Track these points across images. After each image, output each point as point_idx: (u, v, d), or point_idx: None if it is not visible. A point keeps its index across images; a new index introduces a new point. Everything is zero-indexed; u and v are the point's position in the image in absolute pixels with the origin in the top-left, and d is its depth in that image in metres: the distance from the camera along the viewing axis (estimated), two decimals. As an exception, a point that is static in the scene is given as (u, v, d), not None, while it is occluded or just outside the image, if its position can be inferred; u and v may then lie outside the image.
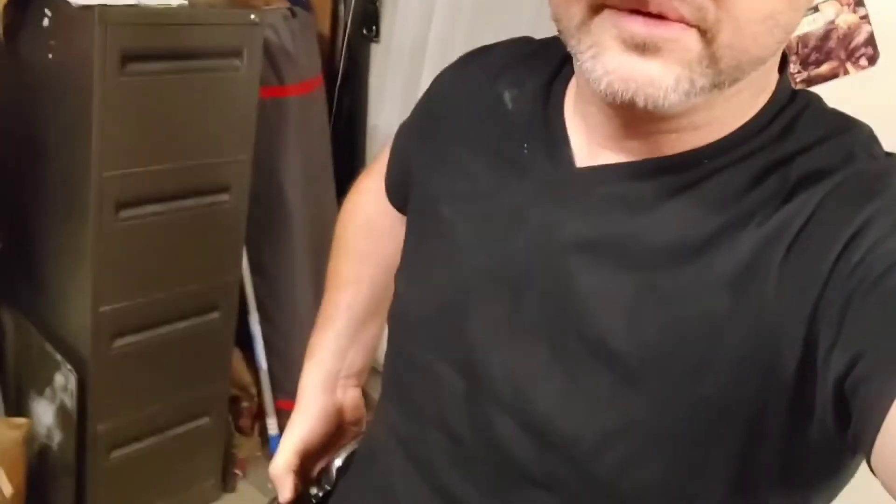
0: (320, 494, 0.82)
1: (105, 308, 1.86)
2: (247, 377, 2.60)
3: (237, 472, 2.53)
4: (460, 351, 0.60)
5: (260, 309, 2.49)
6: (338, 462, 0.84)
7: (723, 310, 0.49)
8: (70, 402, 1.99)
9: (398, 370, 0.68)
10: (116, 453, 2.09)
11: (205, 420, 2.27)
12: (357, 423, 0.90)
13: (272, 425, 2.59)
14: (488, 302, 0.59)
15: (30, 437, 2.11)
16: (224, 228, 2.05)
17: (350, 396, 0.88)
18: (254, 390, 2.60)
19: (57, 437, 2.11)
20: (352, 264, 0.87)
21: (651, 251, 0.52)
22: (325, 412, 0.85)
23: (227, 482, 2.48)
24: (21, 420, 2.06)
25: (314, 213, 2.51)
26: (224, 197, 1.99)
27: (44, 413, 2.13)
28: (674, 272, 0.51)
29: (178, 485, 2.32)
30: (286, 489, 0.81)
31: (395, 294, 0.71)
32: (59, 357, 1.97)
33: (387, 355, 0.71)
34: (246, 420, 2.59)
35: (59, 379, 2.02)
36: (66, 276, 1.93)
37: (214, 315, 2.13)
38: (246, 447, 2.60)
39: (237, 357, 2.50)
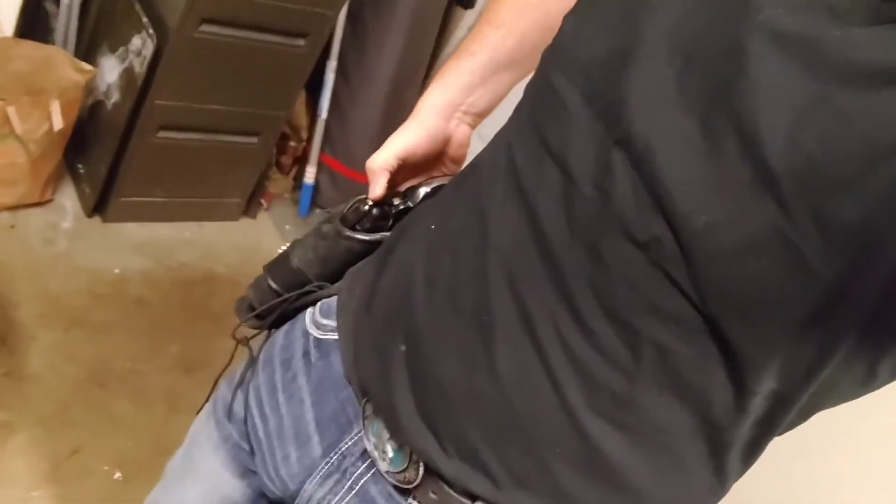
0: (401, 207, 0.82)
1: (206, -13, 1.83)
2: (303, 120, 2.60)
3: (262, 202, 2.58)
4: (610, 97, 0.58)
5: (341, 60, 2.46)
6: (426, 188, 0.84)
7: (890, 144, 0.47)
8: (140, 67, 2.00)
9: (535, 101, 0.66)
10: (164, 134, 2.12)
11: (254, 140, 2.29)
12: (457, 161, 0.89)
13: (310, 174, 2.62)
14: (656, 60, 0.57)
15: (90, 87, 2.13)
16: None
17: (461, 132, 0.86)
18: (305, 135, 2.61)
19: (114, 97, 2.13)
20: (513, 8, 0.84)
21: (842, 64, 0.49)
22: (435, 133, 0.83)
23: (249, 207, 2.53)
24: (88, 66, 2.07)
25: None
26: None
27: (110, 70, 2.14)
28: (860, 94, 0.49)
29: (207, 189, 2.37)
30: (379, 186, 0.81)
31: (560, 32, 0.68)
32: (145, 19, 1.96)
33: (528, 86, 0.69)
34: (287, 159, 2.62)
35: (136, 42, 2.02)
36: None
37: (301, 42, 2.11)
38: (278, 183, 2.64)
39: (301, 99, 2.49)
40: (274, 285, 0.85)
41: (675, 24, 0.57)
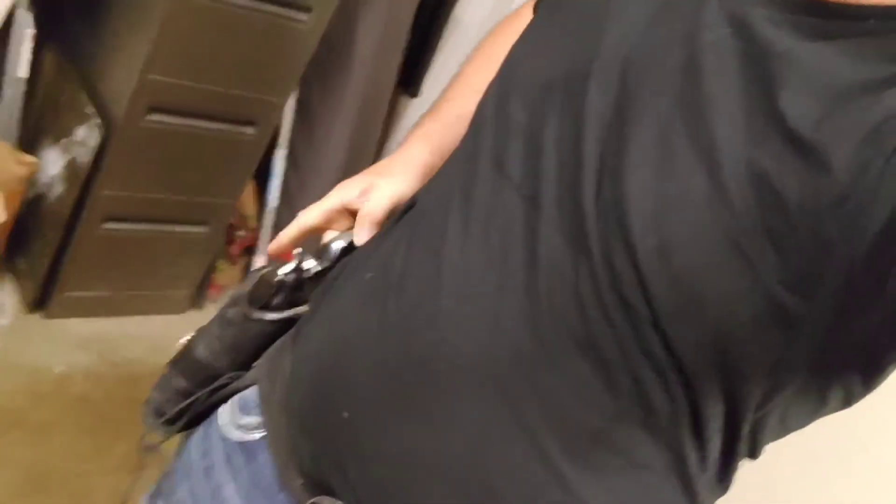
0: (316, 269, 0.75)
1: (154, 77, 1.82)
2: (251, 209, 2.57)
3: (211, 292, 2.52)
4: (573, 118, 0.57)
5: (290, 149, 2.46)
6: (338, 244, 0.76)
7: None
8: (85, 157, 1.96)
9: (487, 132, 0.63)
10: (109, 225, 2.07)
11: (202, 229, 2.25)
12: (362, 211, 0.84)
13: (259, 263, 2.58)
14: (612, 76, 0.56)
15: (32, 179, 2.09)
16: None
17: None
18: (254, 224, 2.58)
19: (57, 189, 2.08)
20: (486, 75, 0.83)
21: (786, 80, 0.50)
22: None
23: (197, 299, 2.47)
24: (31, 158, 2.02)
25: (374, 78, 2.46)
26: None
27: (52, 163, 2.10)
28: (807, 110, 0.49)
29: (153, 282, 2.31)
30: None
31: (512, 61, 0.67)
32: (90, 109, 1.93)
33: (476, 121, 0.67)
34: (236, 249, 2.58)
35: (80, 132, 1.98)
36: (126, 32, 1.89)
37: (250, 130, 2.10)
38: (226, 273, 2.59)
39: (249, 187, 2.47)
40: (182, 383, 0.77)
41: (628, 41, 0.57)
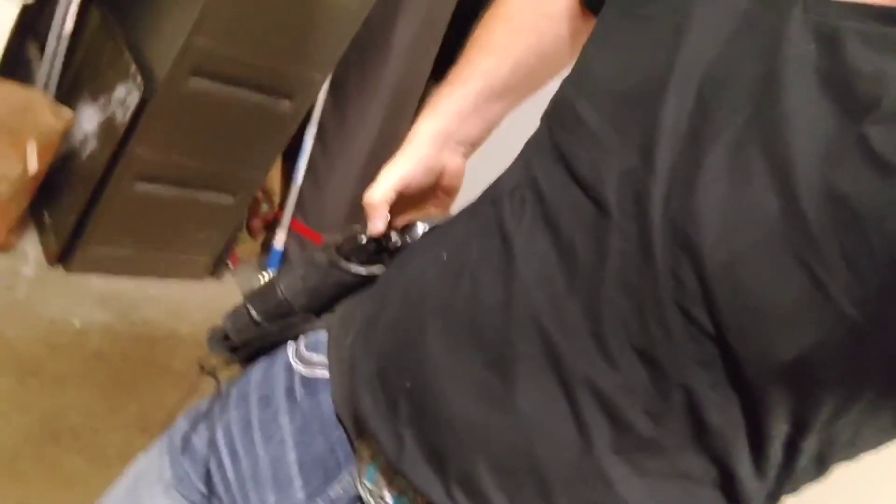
0: (398, 244, 0.78)
1: (199, 41, 1.84)
2: (277, 185, 2.58)
3: (230, 263, 2.53)
4: (644, 128, 0.57)
5: (320, 128, 2.47)
6: (424, 226, 0.79)
7: None
8: (122, 116, 1.98)
9: (558, 131, 0.64)
10: (140, 185, 2.08)
11: (229, 198, 2.26)
12: (450, 193, 0.86)
13: (279, 240, 2.59)
14: (688, 88, 0.56)
15: (67, 133, 2.10)
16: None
17: (455, 163, 0.83)
18: (277, 199, 2.59)
19: (90, 147, 2.09)
20: (505, 34, 0.82)
21: (874, 101, 0.49)
22: (429, 162, 0.79)
23: (216, 268, 2.49)
24: (68, 112, 2.04)
25: (410, 67, 2.48)
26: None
27: (88, 119, 2.11)
28: (891, 132, 0.49)
29: (176, 245, 2.32)
30: (380, 220, 0.77)
31: (583, 61, 0.67)
32: (132, 69, 1.94)
33: (547, 115, 0.68)
34: (257, 223, 2.59)
35: (120, 91, 2.00)
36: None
37: (287, 103, 2.11)
38: (246, 247, 2.60)
39: (276, 163, 2.48)
40: (255, 316, 0.79)
41: (707, 53, 0.56)
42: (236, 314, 0.81)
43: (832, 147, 0.49)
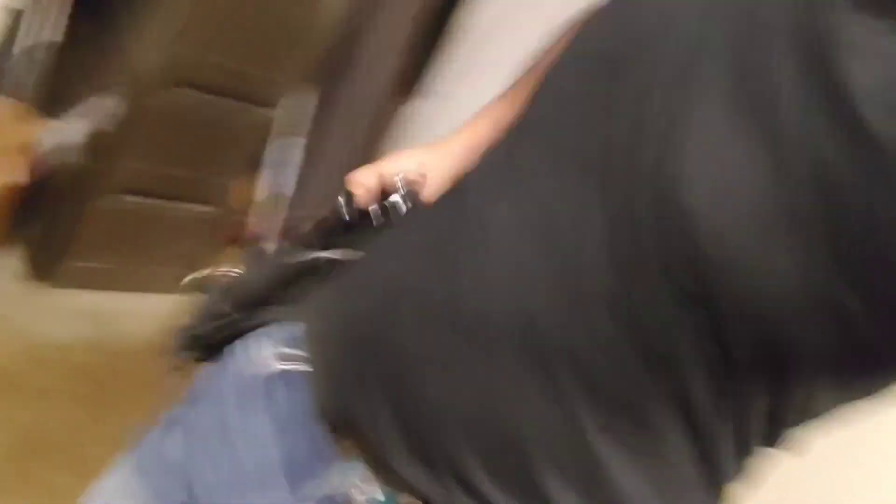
0: (379, 217, 0.76)
1: (183, 52, 1.84)
2: (254, 194, 2.57)
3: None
4: (631, 93, 0.56)
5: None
6: (404, 206, 0.77)
7: None
8: (107, 126, 1.96)
9: (541, 104, 0.63)
10: (126, 198, 2.07)
11: (210, 209, 2.26)
12: None
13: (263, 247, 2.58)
14: (668, 49, 0.56)
15: (51, 146, 2.08)
16: None
17: None
18: (254, 210, 2.58)
19: (75, 158, 2.07)
20: None
21: (842, 53, 0.49)
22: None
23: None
24: (52, 124, 2.02)
25: (380, 79, 2.49)
26: None
27: (73, 130, 2.09)
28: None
29: (158, 259, 2.30)
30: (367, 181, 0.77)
31: (577, 36, 0.67)
32: (117, 80, 1.93)
33: (535, 96, 0.65)
34: (237, 232, 2.57)
35: (103, 102, 1.98)
36: (160, 5, 1.89)
37: (269, 112, 2.11)
38: (227, 256, 2.59)
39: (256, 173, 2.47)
40: (224, 308, 0.76)
41: (689, 16, 0.56)
42: (201, 309, 0.78)
43: (814, 115, 0.49)
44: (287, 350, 0.72)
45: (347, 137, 2.51)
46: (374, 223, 0.76)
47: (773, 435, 0.58)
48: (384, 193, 0.78)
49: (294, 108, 2.18)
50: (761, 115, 0.51)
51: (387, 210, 0.76)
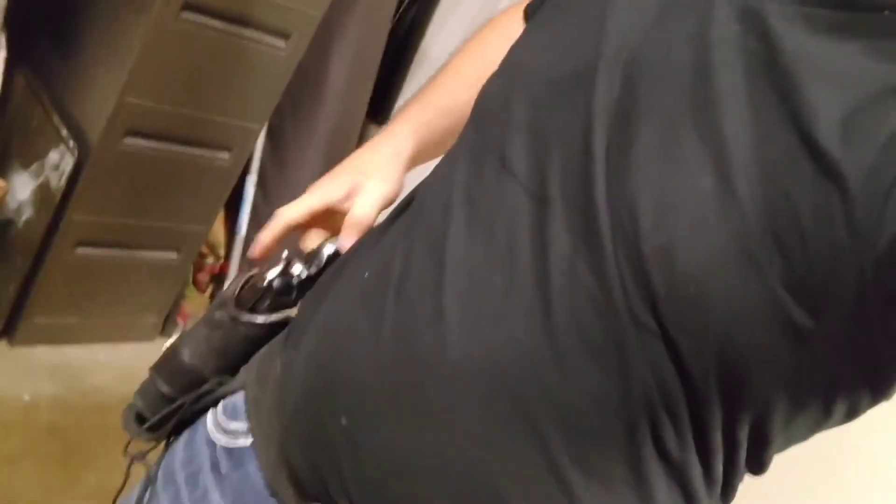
0: (306, 274, 0.73)
1: (131, 100, 1.81)
2: (221, 237, 2.56)
3: (179, 320, 2.49)
4: (578, 116, 0.56)
5: (261, 177, 2.45)
6: (329, 249, 0.74)
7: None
8: (57, 182, 1.93)
9: (489, 125, 0.62)
10: (81, 250, 2.04)
11: (173, 255, 2.23)
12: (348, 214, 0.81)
13: (228, 291, 2.56)
14: (613, 73, 0.56)
15: (1, 203, 2.05)
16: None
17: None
18: (222, 252, 2.56)
19: (26, 215, 2.04)
20: (478, 69, 0.82)
21: (794, 73, 0.49)
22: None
23: (165, 327, 2.44)
24: (0, 182, 1.99)
25: (345, 107, 2.48)
26: None
27: (21, 188, 2.06)
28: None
29: (122, 309, 2.27)
30: (266, 241, 0.75)
31: (511, 59, 0.65)
32: (64, 133, 1.91)
33: (476, 116, 0.65)
34: (204, 276, 2.55)
35: (53, 156, 1.96)
36: (103, 56, 1.88)
37: (225, 155, 2.09)
38: (194, 301, 2.56)
39: (219, 215, 2.45)
40: (165, 389, 0.73)
41: (631, 38, 0.56)
42: (145, 391, 0.75)
43: (762, 127, 0.49)
44: (229, 423, 0.70)
45: (307, 173, 2.49)
46: (298, 285, 0.73)
47: (748, 460, 0.57)
48: (309, 256, 0.75)
49: (249, 148, 2.16)
50: (712, 143, 0.50)
51: (311, 264, 0.74)
